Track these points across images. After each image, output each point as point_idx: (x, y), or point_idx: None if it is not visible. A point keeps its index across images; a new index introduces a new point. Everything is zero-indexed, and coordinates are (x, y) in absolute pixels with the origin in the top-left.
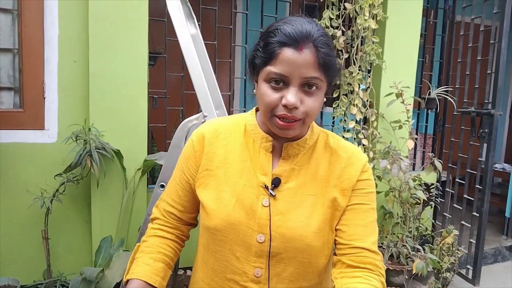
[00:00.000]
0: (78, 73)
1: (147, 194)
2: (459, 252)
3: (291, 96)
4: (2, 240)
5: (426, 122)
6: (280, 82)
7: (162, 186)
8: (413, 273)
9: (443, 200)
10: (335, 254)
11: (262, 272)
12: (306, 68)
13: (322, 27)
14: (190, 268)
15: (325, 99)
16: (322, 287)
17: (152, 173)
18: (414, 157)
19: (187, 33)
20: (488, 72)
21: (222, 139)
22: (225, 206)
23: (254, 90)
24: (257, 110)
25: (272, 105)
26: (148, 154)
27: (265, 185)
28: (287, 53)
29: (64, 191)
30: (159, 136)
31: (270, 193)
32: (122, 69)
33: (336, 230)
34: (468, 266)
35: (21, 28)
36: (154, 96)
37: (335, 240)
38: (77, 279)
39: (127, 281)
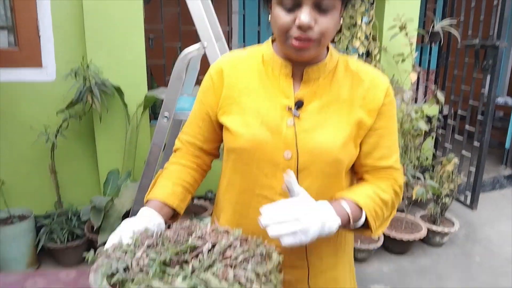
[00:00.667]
0: (72, 11)
1: (150, 129)
2: (458, 179)
3: (304, 15)
4: (12, 175)
5: (430, 55)
6: (293, 3)
7: (166, 117)
8: (413, 199)
9: (444, 133)
10: (358, 173)
11: None
12: None
13: None
14: (198, 197)
15: (341, 20)
16: None
17: (153, 110)
18: (417, 92)
19: None
20: (494, 3)
21: (240, 69)
22: (251, 128)
23: (269, 18)
24: (272, 40)
25: (286, 27)
26: (148, 90)
27: (289, 107)
28: None
29: (67, 127)
30: (158, 74)
31: (294, 114)
32: (116, 5)
33: (361, 151)
34: (467, 193)
35: None
36: (150, 35)
37: (360, 161)
38: (88, 207)
39: (147, 202)
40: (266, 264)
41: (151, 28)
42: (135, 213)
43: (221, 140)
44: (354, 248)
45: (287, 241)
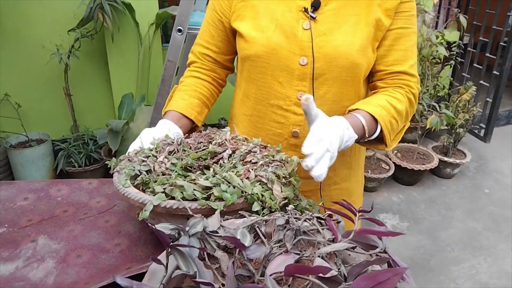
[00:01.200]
0: None
1: (163, 51)
2: (474, 109)
3: None
4: (27, 99)
5: None
6: None
7: (180, 30)
8: (427, 128)
9: (463, 61)
10: (371, 82)
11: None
12: None
13: None
14: (210, 125)
15: None
16: None
17: (165, 31)
18: (438, 17)
19: None
20: None
21: None
22: (265, 32)
23: None
24: None
25: None
26: (159, 9)
27: (305, 8)
28: None
29: (79, 47)
30: None
31: (311, 16)
32: None
33: (376, 56)
34: (481, 125)
35: None
36: None
37: (374, 67)
38: (104, 131)
39: (165, 114)
40: (286, 168)
41: None
42: None
43: (235, 52)
44: (365, 177)
45: (322, 173)
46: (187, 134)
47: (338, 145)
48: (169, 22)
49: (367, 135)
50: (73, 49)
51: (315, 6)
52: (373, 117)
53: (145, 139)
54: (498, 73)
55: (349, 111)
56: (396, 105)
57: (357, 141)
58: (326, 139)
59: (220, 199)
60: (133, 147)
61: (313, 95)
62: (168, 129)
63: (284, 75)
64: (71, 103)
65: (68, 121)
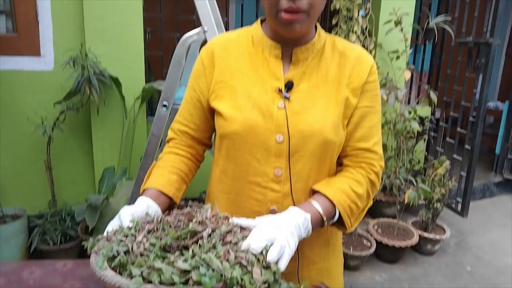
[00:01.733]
0: None
1: (147, 124)
2: (450, 184)
3: None
4: (6, 171)
5: (423, 55)
6: None
7: (165, 105)
8: (405, 203)
9: (436, 135)
10: (338, 157)
11: (282, 171)
12: None
13: None
14: (192, 199)
15: None
16: None
17: (150, 105)
18: (410, 93)
19: None
20: None
21: (231, 51)
22: (243, 111)
23: None
24: (262, 21)
25: None
26: (146, 83)
27: (279, 89)
28: None
29: (64, 119)
30: (156, 67)
31: (285, 96)
32: None
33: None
34: (458, 199)
35: None
36: (147, 29)
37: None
38: (82, 206)
39: (143, 192)
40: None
41: (150, 16)
42: None
43: (213, 129)
44: (347, 255)
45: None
46: (167, 211)
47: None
48: (155, 95)
49: (325, 221)
50: (58, 122)
51: (289, 87)
52: (333, 202)
53: (124, 217)
54: (469, 148)
55: (312, 190)
56: (357, 189)
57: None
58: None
59: (199, 283)
60: (112, 226)
61: (290, 172)
62: (147, 206)
63: (262, 152)
64: (51, 176)
65: (47, 195)
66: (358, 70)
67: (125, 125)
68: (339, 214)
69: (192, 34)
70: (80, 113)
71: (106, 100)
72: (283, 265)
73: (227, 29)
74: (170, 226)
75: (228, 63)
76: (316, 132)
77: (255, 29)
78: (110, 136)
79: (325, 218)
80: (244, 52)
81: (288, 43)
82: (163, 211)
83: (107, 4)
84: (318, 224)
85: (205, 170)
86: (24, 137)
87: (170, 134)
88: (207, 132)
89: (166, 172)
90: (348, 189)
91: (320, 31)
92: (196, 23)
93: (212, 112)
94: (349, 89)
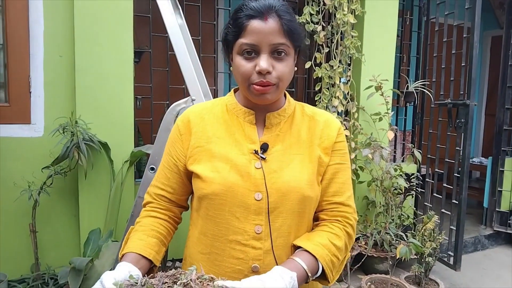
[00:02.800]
0: (64, 68)
1: (135, 186)
2: (440, 238)
3: (263, 62)
4: None
5: (405, 116)
6: (252, 52)
7: (152, 169)
8: (397, 258)
9: (423, 191)
10: (315, 212)
11: (262, 228)
12: (273, 35)
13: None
14: (179, 260)
15: (295, 68)
16: None
17: (138, 167)
18: (395, 152)
19: (174, 19)
20: (462, 64)
21: (207, 119)
22: (221, 172)
23: (231, 68)
24: (234, 91)
25: (248, 74)
26: (135, 147)
27: (255, 150)
28: (254, 23)
29: (51, 183)
30: (145, 132)
31: (261, 157)
32: (108, 64)
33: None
34: (450, 253)
35: (6, 24)
36: (138, 96)
37: (320, 199)
38: (66, 270)
39: (122, 256)
40: None
41: (140, 87)
42: None
43: (190, 192)
44: None
45: None
46: (151, 274)
47: None
48: (143, 158)
49: (310, 277)
50: (45, 186)
51: (264, 149)
52: (315, 257)
53: (107, 281)
54: (457, 202)
55: (293, 246)
56: (336, 242)
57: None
58: None
59: None
60: None
61: (270, 228)
62: (128, 271)
63: (241, 211)
64: (35, 240)
65: (30, 259)
66: (327, 132)
67: (112, 188)
68: (322, 268)
69: (180, 102)
70: (68, 177)
71: (94, 164)
72: None
73: (215, 97)
74: None
75: (204, 129)
76: (294, 189)
77: (229, 98)
78: (97, 198)
79: (310, 274)
80: (220, 119)
81: (261, 109)
82: (144, 275)
83: (98, 74)
84: (303, 280)
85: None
86: (9, 202)
87: (147, 198)
88: (183, 195)
89: (145, 235)
90: (329, 243)
91: (290, 98)
92: (186, 92)
93: (188, 176)
94: (320, 148)
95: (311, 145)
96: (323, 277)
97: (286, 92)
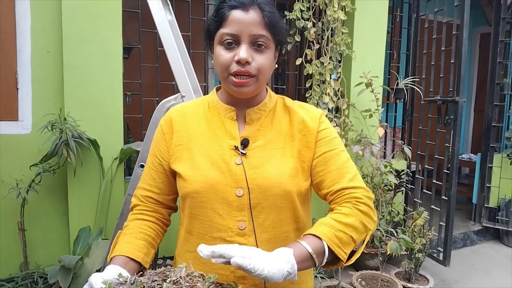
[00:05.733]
0: (52, 64)
1: (124, 184)
2: (430, 234)
3: (242, 51)
4: None
5: (395, 112)
6: (232, 43)
7: (142, 166)
8: (387, 254)
9: (413, 187)
10: (329, 204)
11: (245, 224)
12: (254, 26)
13: None
14: (170, 258)
15: (276, 65)
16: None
17: (128, 165)
18: (385, 148)
19: (164, 15)
20: (451, 61)
21: (189, 117)
22: (201, 170)
23: (212, 61)
24: (217, 89)
25: (227, 63)
26: (124, 144)
27: (235, 146)
28: (236, 14)
29: (40, 181)
30: (135, 129)
31: (241, 152)
32: (97, 60)
33: (316, 184)
34: (439, 248)
35: None
36: (127, 93)
37: (320, 194)
38: (56, 268)
39: (110, 260)
40: None
41: (129, 82)
42: None
43: (177, 192)
44: None
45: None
46: (140, 273)
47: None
48: (133, 156)
49: (315, 257)
50: (33, 184)
51: (245, 144)
52: (318, 237)
53: (95, 281)
54: (446, 198)
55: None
56: (342, 219)
57: (309, 265)
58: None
59: None
60: None
61: (253, 223)
62: (116, 273)
63: (224, 208)
64: (24, 238)
65: (19, 258)
66: (307, 124)
67: (102, 185)
68: (329, 248)
69: (170, 99)
70: (57, 174)
71: (84, 161)
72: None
73: (205, 93)
74: (143, 287)
75: (185, 128)
76: (275, 184)
77: (211, 96)
78: (86, 196)
79: (310, 250)
80: (201, 117)
81: (242, 105)
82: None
83: (87, 70)
84: (307, 261)
85: None
86: None
87: (134, 201)
88: (171, 195)
89: (133, 238)
90: (331, 221)
91: (271, 93)
92: (175, 88)
93: (174, 175)
94: (301, 142)
95: (292, 138)
96: (336, 258)
97: (268, 87)
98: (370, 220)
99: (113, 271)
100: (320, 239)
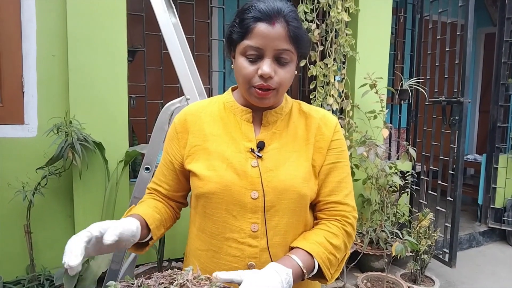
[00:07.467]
0: (57, 68)
1: (130, 186)
2: (435, 235)
3: (266, 66)
4: None
5: (400, 113)
6: (256, 55)
7: (147, 169)
8: (392, 255)
9: (418, 188)
10: (314, 212)
11: (258, 226)
12: (279, 41)
13: (292, 5)
14: (176, 260)
15: (296, 72)
16: None
17: (133, 167)
18: (390, 149)
19: (168, 18)
20: (456, 62)
21: (203, 117)
22: (218, 171)
23: (232, 65)
24: (232, 89)
25: (250, 76)
26: (129, 147)
27: (252, 149)
28: (261, 27)
29: (46, 184)
30: (140, 131)
31: (257, 155)
32: (102, 63)
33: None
34: (445, 250)
35: None
36: (132, 95)
37: (314, 199)
38: (61, 271)
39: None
40: None
41: (134, 85)
42: (111, 273)
43: (187, 189)
44: None
45: None
46: (147, 275)
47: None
48: (138, 158)
49: (306, 275)
50: (39, 187)
51: (261, 147)
52: (311, 254)
53: (93, 228)
54: (452, 199)
55: (290, 247)
56: (333, 240)
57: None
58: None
59: None
60: (79, 235)
61: (266, 226)
62: (126, 223)
63: (238, 209)
64: (30, 241)
65: (25, 261)
66: (323, 130)
67: (107, 188)
68: (319, 266)
69: (175, 102)
70: (62, 177)
71: (89, 164)
72: None
73: (210, 96)
74: None
75: (201, 128)
76: (290, 187)
77: (226, 97)
78: (92, 199)
79: (305, 271)
80: (216, 117)
81: (259, 108)
82: (139, 241)
83: (92, 73)
84: (299, 278)
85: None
86: (4, 203)
87: (147, 192)
88: (180, 191)
89: (151, 209)
90: (325, 241)
91: (287, 97)
92: (180, 91)
93: (184, 174)
94: (315, 148)
95: (307, 143)
96: (321, 276)
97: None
98: (351, 241)
99: (122, 222)
100: (312, 257)
